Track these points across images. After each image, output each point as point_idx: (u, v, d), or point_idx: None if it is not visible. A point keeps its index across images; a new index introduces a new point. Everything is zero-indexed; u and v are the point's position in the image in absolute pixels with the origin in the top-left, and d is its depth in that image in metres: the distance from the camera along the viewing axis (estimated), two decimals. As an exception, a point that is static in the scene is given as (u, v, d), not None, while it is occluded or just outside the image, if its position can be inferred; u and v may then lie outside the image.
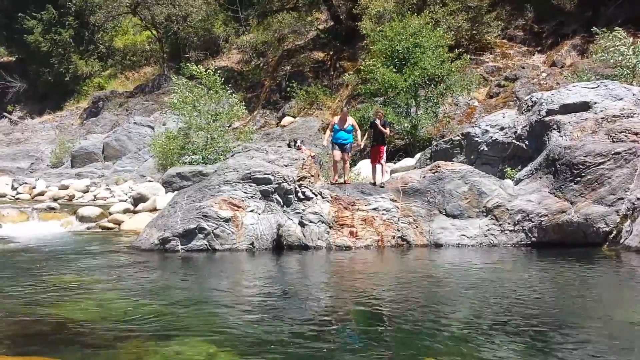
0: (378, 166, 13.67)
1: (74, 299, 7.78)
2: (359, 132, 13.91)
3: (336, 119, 13.90)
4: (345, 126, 13.50)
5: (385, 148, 13.99)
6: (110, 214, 16.34)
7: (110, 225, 15.31)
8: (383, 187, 12.96)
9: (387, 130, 13.90)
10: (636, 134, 12.13)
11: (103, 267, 10.10)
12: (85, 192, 23.22)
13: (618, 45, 17.45)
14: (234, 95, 23.14)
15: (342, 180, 13.45)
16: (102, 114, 37.25)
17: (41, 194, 22.79)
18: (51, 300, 7.69)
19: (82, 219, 15.82)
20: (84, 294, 8.08)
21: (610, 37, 17.79)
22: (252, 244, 11.78)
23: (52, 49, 40.97)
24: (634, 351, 5.61)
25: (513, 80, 23.23)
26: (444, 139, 17.42)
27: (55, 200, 21.17)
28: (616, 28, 18.15)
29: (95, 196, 22.37)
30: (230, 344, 5.84)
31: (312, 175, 12.94)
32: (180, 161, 21.08)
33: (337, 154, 13.58)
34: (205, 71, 21.56)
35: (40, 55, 41.40)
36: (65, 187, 23.46)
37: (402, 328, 6.39)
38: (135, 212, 16.91)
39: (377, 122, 13.58)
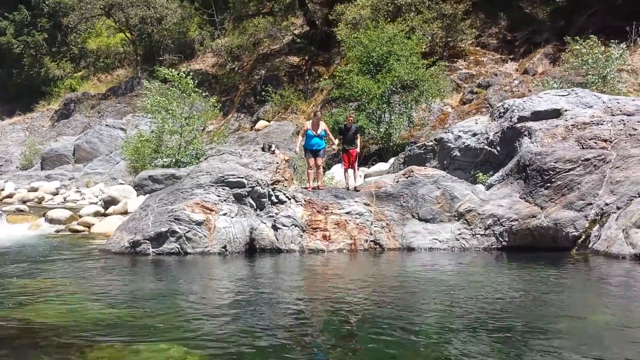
0: (350, 170, 13.67)
1: (42, 302, 7.63)
2: (332, 137, 13.88)
3: (308, 124, 13.58)
4: (318, 132, 13.36)
5: (357, 152, 13.91)
6: (80, 216, 16.11)
7: (80, 228, 15.07)
8: (358, 191, 12.97)
9: (357, 142, 13.83)
10: (605, 140, 12.34)
11: (72, 270, 9.94)
12: (55, 194, 22.89)
13: (595, 53, 17.78)
14: (208, 99, 22.94)
15: (315, 185, 13.39)
16: (73, 116, 36.79)
17: (10, 196, 22.38)
18: (18, 304, 7.53)
19: (52, 221, 15.58)
20: (52, 297, 7.92)
21: (584, 44, 18.12)
22: (224, 247, 11.69)
23: (25, 50, 40.35)
24: (600, 351, 5.68)
25: (486, 87, 23.52)
26: (417, 144, 17.53)
27: (24, 202, 20.79)
28: (590, 36, 18.50)
29: (65, 199, 22.04)
30: (201, 348, 5.77)
31: (286, 179, 12.90)
32: (153, 164, 20.85)
33: (312, 161, 13.44)
34: (178, 74, 21.25)
35: (11, 56, 40.73)
36: (35, 190, 23.09)
37: (372, 331, 6.38)
38: (105, 215, 16.68)
39: (347, 127, 13.61)
